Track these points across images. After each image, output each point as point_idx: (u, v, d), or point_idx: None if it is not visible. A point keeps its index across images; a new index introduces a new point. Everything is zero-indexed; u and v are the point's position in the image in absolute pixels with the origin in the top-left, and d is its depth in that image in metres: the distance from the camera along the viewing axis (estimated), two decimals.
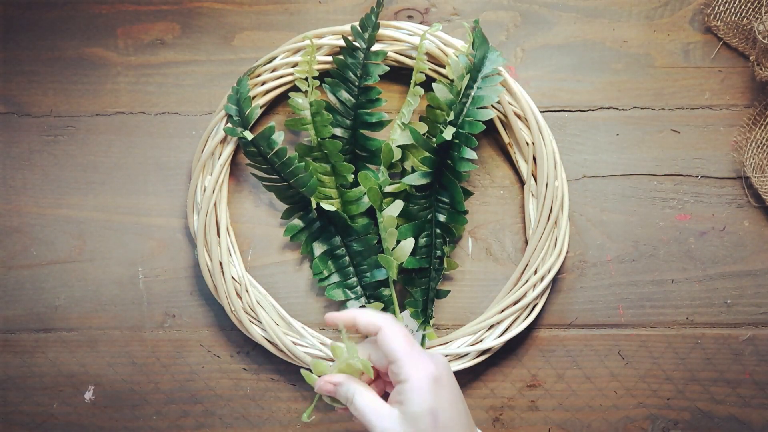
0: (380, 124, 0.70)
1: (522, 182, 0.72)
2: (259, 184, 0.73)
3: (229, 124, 0.70)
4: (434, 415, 0.53)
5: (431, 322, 0.70)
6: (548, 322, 0.72)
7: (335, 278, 0.71)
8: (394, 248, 0.68)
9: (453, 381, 0.56)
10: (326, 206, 0.69)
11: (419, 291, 0.70)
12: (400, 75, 0.72)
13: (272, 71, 0.71)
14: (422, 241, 0.70)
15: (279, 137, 0.68)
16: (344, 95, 0.70)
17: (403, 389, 0.54)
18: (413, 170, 0.70)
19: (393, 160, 0.69)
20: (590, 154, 0.73)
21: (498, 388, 0.72)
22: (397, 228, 0.69)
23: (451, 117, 0.67)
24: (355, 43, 0.69)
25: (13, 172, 0.74)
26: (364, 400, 0.55)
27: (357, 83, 0.70)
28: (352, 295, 0.71)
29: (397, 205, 0.68)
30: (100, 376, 0.73)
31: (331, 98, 0.71)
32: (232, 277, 0.71)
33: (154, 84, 0.74)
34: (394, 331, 0.55)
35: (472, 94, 0.68)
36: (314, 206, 0.70)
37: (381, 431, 0.54)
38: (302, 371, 0.61)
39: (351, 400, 0.56)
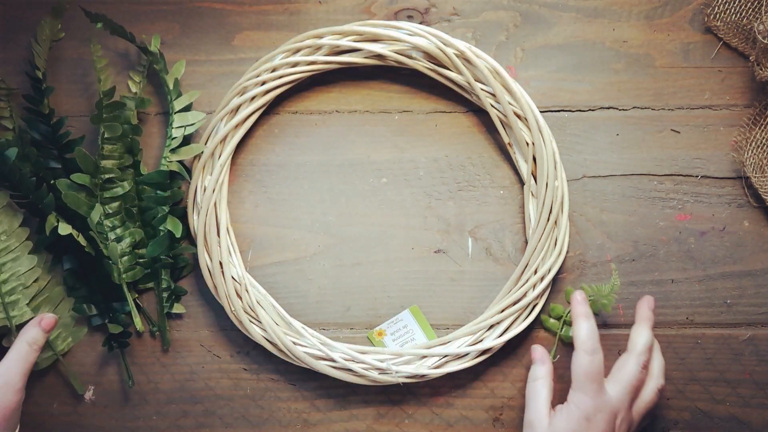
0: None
1: (522, 182, 0.72)
2: (259, 184, 0.73)
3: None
4: None
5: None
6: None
7: (83, 292, 0.71)
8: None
9: (602, 422, 0.62)
10: (62, 228, 0.66)
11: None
12: (399, 75, 0.73)
13: (272, 71, 0.71)
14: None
15: (12, 153, 0.66)
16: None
17: (563, 406, 0.64)
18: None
19: (95, 167, 0.68)
20: (590, 154, 0.73)
21: (498, 388, 0.72)
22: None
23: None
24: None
25: None
26: (541, 391, 0.66)
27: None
28: (95, 311, 0.71)
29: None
30: (100, 376, 0.73)
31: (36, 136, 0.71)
32: (232, 277, 0.71)
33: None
34: (579, 357, 0.64)
35: None
36: (51, 226, 0.67)
37: (528, 421, 0.65)
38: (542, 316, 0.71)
39: (533, 378, 0.67)
